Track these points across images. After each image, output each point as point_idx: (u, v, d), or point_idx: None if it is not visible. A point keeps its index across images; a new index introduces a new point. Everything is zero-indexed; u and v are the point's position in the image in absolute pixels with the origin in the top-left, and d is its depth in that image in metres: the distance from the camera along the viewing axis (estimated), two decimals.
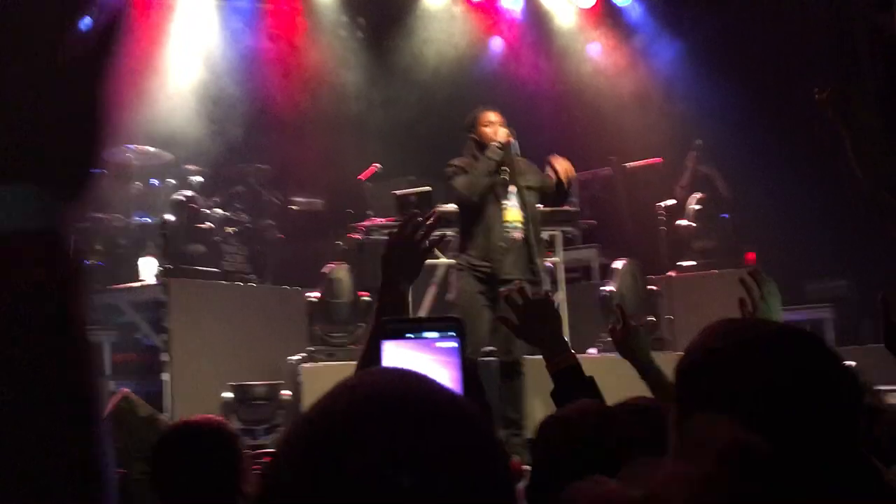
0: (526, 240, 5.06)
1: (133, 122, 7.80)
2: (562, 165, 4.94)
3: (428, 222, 1.97)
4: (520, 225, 5.06)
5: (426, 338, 1.19)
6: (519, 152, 5.12)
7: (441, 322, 1.21)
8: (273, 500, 0.72)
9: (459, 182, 5.04)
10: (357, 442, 0.69)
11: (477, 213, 5.04)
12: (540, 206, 5.27)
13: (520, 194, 5.06)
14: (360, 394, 0.74)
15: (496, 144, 4.97)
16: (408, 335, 1.20)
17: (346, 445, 0.69)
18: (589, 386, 2.07)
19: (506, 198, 5.05)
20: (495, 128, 5.06)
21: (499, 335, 4.98)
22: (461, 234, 5.24)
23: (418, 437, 0.70)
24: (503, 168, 5.02)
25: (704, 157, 8.18)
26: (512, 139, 5.03)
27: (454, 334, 1.18)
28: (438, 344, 1.18)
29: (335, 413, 0.73)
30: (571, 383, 2.07)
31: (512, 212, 5.05)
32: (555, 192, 5.07)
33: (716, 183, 8.10)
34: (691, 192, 8.08)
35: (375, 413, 0.71)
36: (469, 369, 1.15)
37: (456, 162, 5.15)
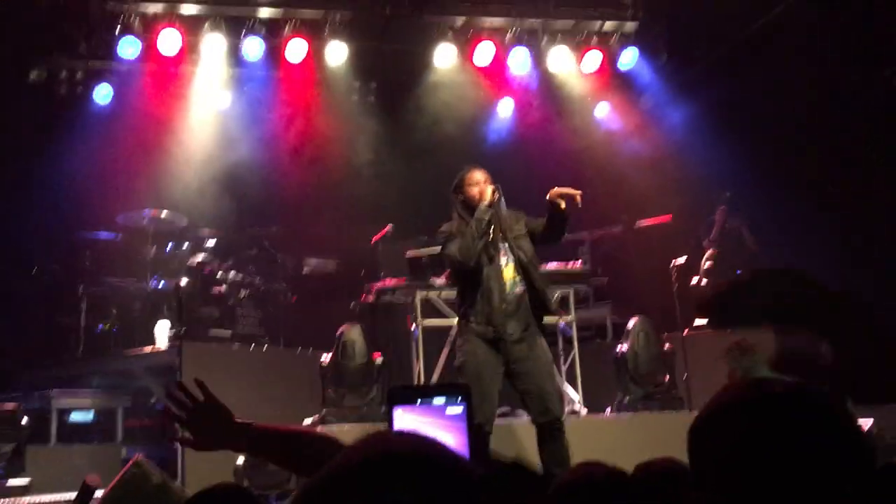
0: (528, 291, 4.96)
1: (149, 188, 7.93)
2: (556, 191, 4.76)
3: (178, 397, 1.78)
4: (518, 280, 4.97)
5: (435, 404, 1.21)
6: (505, 206, 5.01)
7: (449, 389, 1.23)
8: None
9: (452, 249, 4.94)
10: (366, 500, 0.72)
11: (474, 278, 4.93)
12: (540, 264, 5.14)
13: (511, 249, 4.99)
14: (371, 455, 0.77)
15: (484, 205, 4.91)
16: (417, 402, 1.22)
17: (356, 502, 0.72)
18: None
19: (499, 257, 4.97)
20: (482, 187, 4.98)
21: (532, 396, 4.85)
22: (460, 299, 5.12)
23: (424, 496, 0.72)
24: (491, 227, 4.92)
25: (733, 210, 8.20)
26: (498, 195, 4.96)
27: (461, 400, 1.20)
28: (446, 410, 1.20)
29: (346, 473, 0.76)
30: None
31: (509, 269, 4.96)
32: (549, 225, 4.91)
33: (743, 235, 8.10)
34: (720, 246, 8.09)
35: (385, 473, 0.74)
36: (475, 434, 1.17)
37: (445, 228, 5.08)
